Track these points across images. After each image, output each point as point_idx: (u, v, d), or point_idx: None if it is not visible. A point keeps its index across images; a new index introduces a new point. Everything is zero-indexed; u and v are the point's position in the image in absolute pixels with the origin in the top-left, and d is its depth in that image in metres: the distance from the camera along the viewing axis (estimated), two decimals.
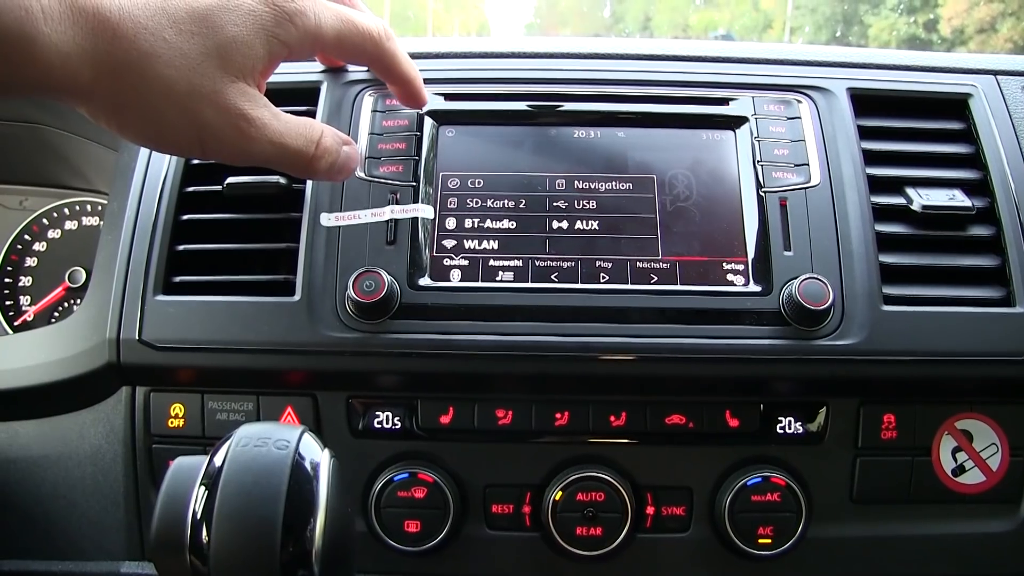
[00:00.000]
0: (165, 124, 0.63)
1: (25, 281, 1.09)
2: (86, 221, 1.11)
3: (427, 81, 0.83)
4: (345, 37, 0.71)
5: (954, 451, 0.79)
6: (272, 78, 0.69)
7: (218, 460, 0.53)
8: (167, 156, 0.83)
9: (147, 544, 0.78)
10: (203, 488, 0.52)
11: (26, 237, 1.10)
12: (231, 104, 0.63)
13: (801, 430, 0.78)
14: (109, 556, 0.80)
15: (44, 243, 1.10)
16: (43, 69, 0.57)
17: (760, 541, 0.75)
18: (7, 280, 1.08)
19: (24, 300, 1.08)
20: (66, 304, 1.07)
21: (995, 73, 0.89)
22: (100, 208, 1.10)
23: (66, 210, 1.11)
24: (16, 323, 1.07)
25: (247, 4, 0.64)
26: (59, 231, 1.10)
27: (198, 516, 0.51)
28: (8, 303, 1.08)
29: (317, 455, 0.55)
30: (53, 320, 1.06)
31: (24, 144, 1.07)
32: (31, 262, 1.09)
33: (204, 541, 0.51)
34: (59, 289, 1.07)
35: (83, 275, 1.06)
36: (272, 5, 0.65)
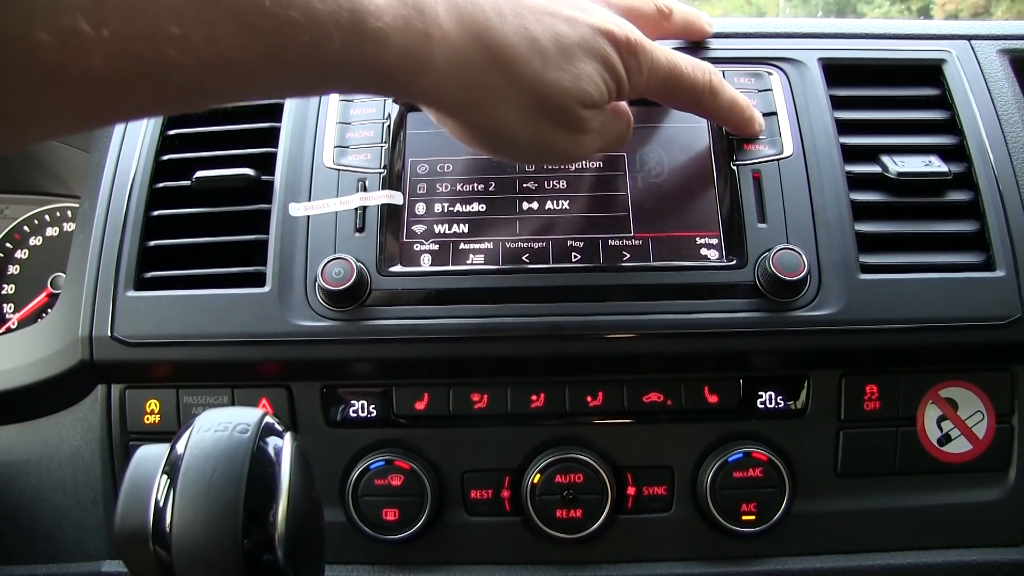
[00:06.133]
0: (514, 142, 0.65)
1: (8, 289, 1.09)
2: (67, 227, 1.10)
3: None
4: (672, 86, 0.71)
5: (939, 420, 0.77)
6: None
7: (180, 447, 0.52)
8: (136, 154, 0.82)
9: None
10: (165, 476, 0.51)
11: (8, 245, 1.10)
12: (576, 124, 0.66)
13: (782, 404, 0.76)
14: (91, 556, 0.80)
15: (26, 251, 1.10)
16: (419, 90, 0.58)
17: (744, 518, 0.74)
18: None
19: (7, 308, 1.08)
20: (49, 311, 1.06)
21: (968, 38, 0.88)
22: None
23: (47, 216, 1.10)
24: None
25: (599, 48, 0.64)
26: (40, 238, 1.10)
27: (160, 504, 0.50)
28: None
29: (279, 439, 0.54)
30: None
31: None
32: (13, 270, 1.09)
33: (167, 529, 0.50)
34: (42, 295, 1.07)
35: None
36: (617, 48, 0.65)
